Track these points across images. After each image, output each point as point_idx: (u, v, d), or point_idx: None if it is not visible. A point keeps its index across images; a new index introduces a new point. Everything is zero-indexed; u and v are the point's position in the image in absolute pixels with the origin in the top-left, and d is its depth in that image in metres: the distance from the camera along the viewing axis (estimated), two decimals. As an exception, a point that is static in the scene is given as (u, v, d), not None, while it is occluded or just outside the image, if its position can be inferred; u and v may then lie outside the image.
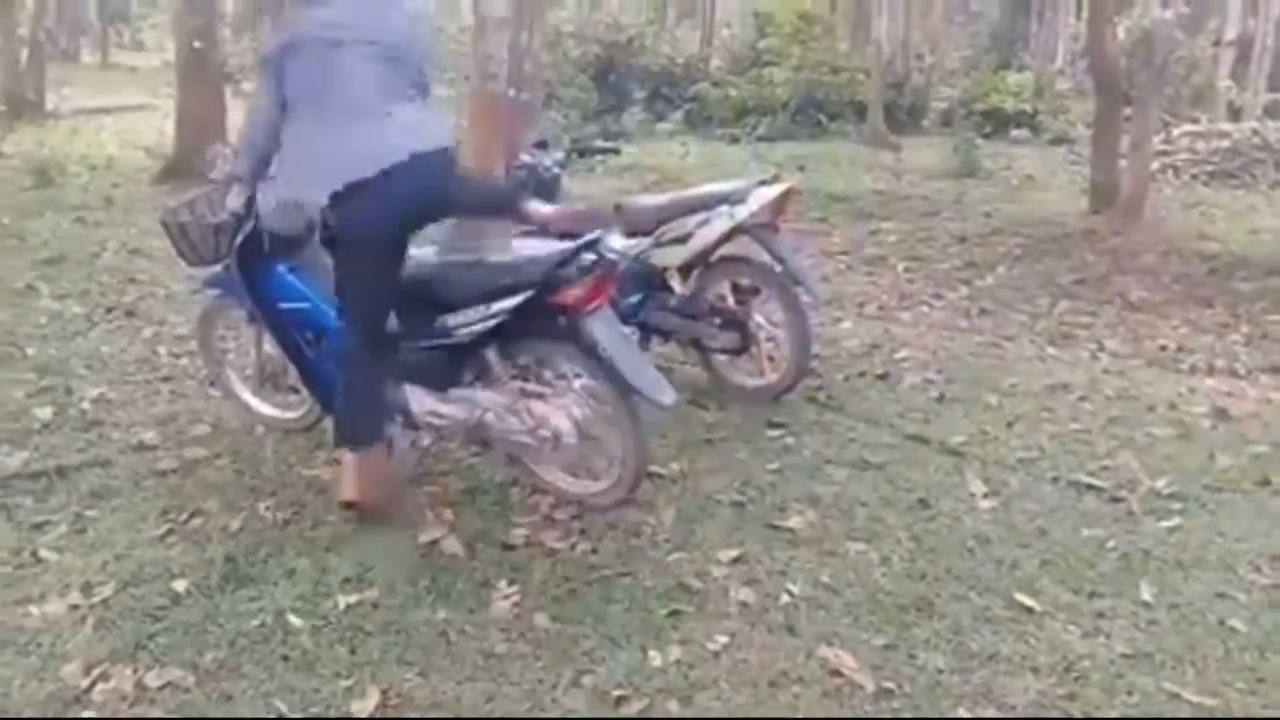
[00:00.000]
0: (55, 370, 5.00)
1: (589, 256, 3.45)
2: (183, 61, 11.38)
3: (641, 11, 26.05)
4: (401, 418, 3.80)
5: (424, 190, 3.42)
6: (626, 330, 3.74)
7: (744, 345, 4.83)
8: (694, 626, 2.98)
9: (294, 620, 2.95)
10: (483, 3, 8.44)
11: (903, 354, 5.70)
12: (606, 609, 3.06)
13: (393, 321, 3.63)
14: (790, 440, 4.37)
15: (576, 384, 3.59)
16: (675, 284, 4.91)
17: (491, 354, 3.56)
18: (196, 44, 11.03)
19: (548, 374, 3.66)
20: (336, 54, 3.35)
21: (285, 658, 2.80)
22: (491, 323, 3.43)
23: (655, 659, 2.81)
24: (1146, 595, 3.21)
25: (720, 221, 4.72)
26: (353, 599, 3.06)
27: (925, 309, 7.01)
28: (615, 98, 17.95)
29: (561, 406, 3.53)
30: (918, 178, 12.33)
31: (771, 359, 4.92)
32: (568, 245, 3.46)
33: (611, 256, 3.65)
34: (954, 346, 5.94)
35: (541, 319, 3.48)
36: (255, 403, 4.36)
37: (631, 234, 4.97)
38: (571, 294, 3.40)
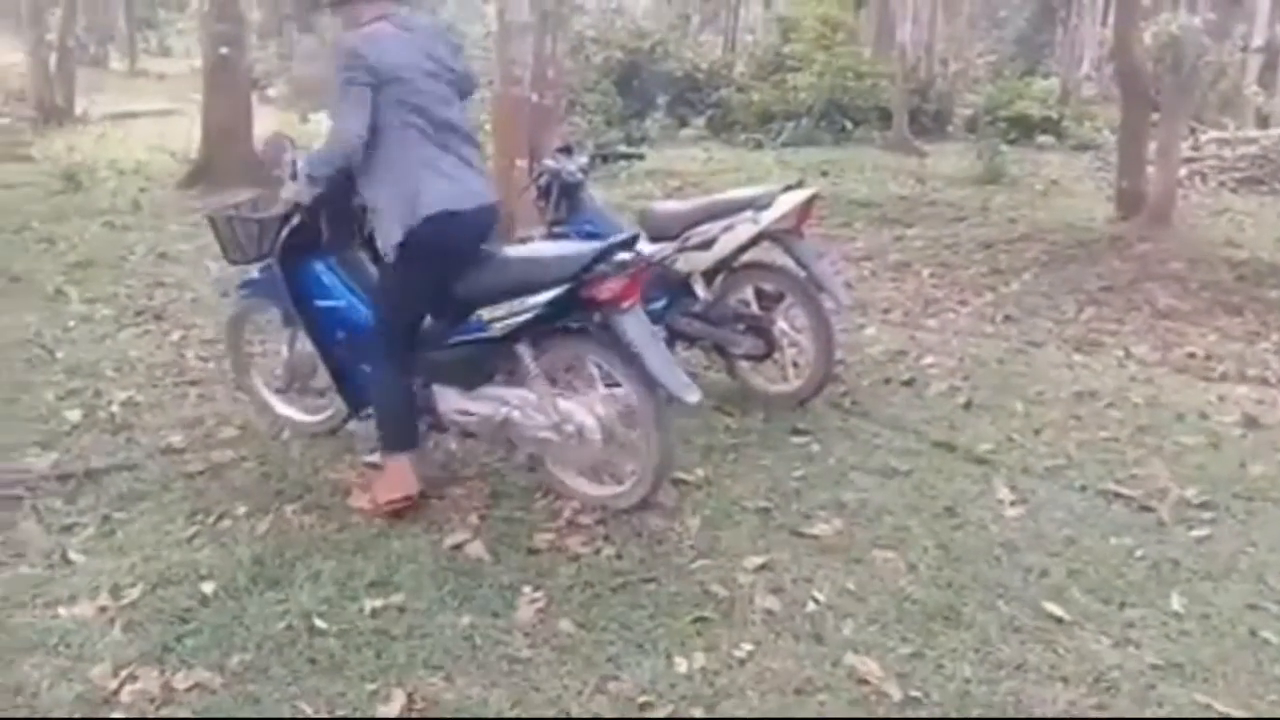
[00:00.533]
0: (84, 373, 5.05)
1: (624, 255, 3.50)
2: (209, 67, 11.49)
3: (664, 17, 26.04)
4: (429, 418, 3.84)
5: (485, 232, 3.63)
6: (655, 330, 3.75)
7: (768, 351, 4.82)
8: (719, 634, 2.97)
9: (320, 623, 2.96)
10: (507, 8, 8.47)
11: (928, 360, 5.67)
12: (631, 615, 3.05)
13: (426, 319, 3.71)
14: (815, 447, 4.36)
15: (601, 385, 3.64)
16: (699, 289, 4.91)
17: (523, 349, 3.59)
18: (223, 50, 11.13)
19: (575, 373, 3.71)
20: (430, 85, 3.51)
21: (312, 660, 2.81)
22: (527, 316, 3.48)
23: (680, 666, 2.81)
24: (1177, 605, 3.18)
25: (744, 227, 4.72)
26: (378, 603, 3.07)
27: (951, 315, 6.97)
28: (638, 103, 17.97)
29: (587, 404, 3.59)
30: (942, 184, 12.27)
31: (796, 365, 4.91)
32: (602, 243, 3.53)
33: (646, 256, 3.68)
34: (980, 353, 5.90)
35: (575, 313, 3.55)
36: (280, 407, 4.40)
37: (656, 239, 4.97)
38: (607, 288, 3.45)
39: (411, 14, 3.65)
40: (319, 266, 3.97)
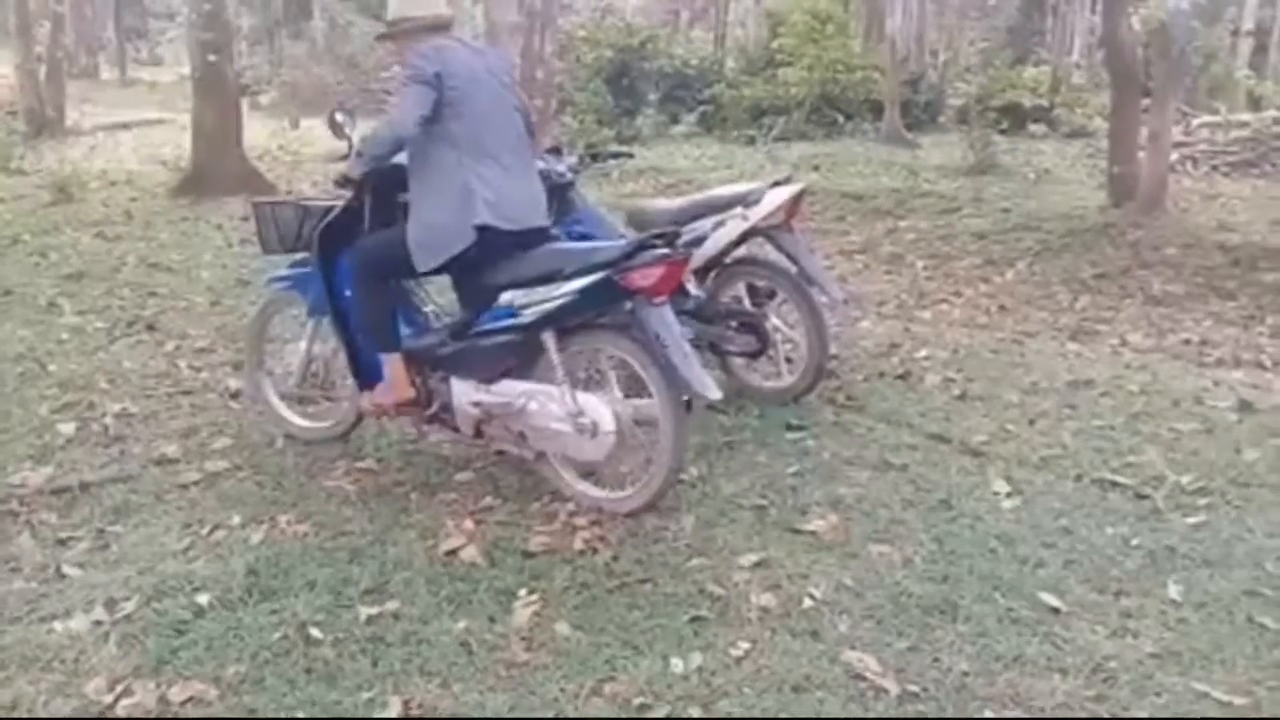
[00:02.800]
0: (78, 386, 5.03)
1: (663, 249, 3.54)
2: (198, 76, 11.45)
3: (654, 14, 26.03)
4: (442, 411, 3.90)
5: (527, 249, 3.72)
6: (683, 330, 3.76)
7: (761, 347, 4.81)
8: (716, 632, 2.97)
9: (316, 632, 2.94)
10: (495, 9, 8.46)
11: (922, 353, 5.67)
12: (628, 616, 3.04)
13: (434, 309, 4.02)
14: (810, 442, 4.35)
15: (619, 393, 3.66)
16: (691, 287, 4.89)
17: (549, 338, 3.63)
18: (211, 58, 11.09)
19: (594, 384, 3.73)
20: (489, 101, 3.72)
21: (308, 670, 2.80)
22: (561, 302, 3.53)
23: (677, 666, 2.80)
24: (1174, 593, 3.18)
25: (734, 224, 4.72)
26: (374, 610, 3.06)
27: (945, 307, 6.97)
28: (629, 101, 17.95)
29: (606, 399, 3.61)
30: (935, 175, 12.26)
31: (789, 360, 4.91)
32: (642, 235, 3.65)
33: (684, 252, 3.72)
34: (974, 344, 5.90)
35: (608, 301, 3.57)
36: (286, 413, 4.42)
37: (647, 238, 4.97)
38: (644, 275, 3.48)
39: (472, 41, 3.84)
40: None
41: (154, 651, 2.87)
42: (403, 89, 3.64)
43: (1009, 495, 3.86)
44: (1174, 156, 11.51)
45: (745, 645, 2.89)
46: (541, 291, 3.55)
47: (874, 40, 19.46)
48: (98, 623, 3.01)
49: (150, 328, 6.13)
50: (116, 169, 12.94)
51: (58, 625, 3.00)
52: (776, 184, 4.83)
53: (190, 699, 2.68)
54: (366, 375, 4.02)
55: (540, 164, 5.17)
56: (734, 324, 4.85)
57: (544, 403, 3.63)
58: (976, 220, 9.70)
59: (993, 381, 5.18)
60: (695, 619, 3.03)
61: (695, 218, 4.80)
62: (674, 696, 2.69)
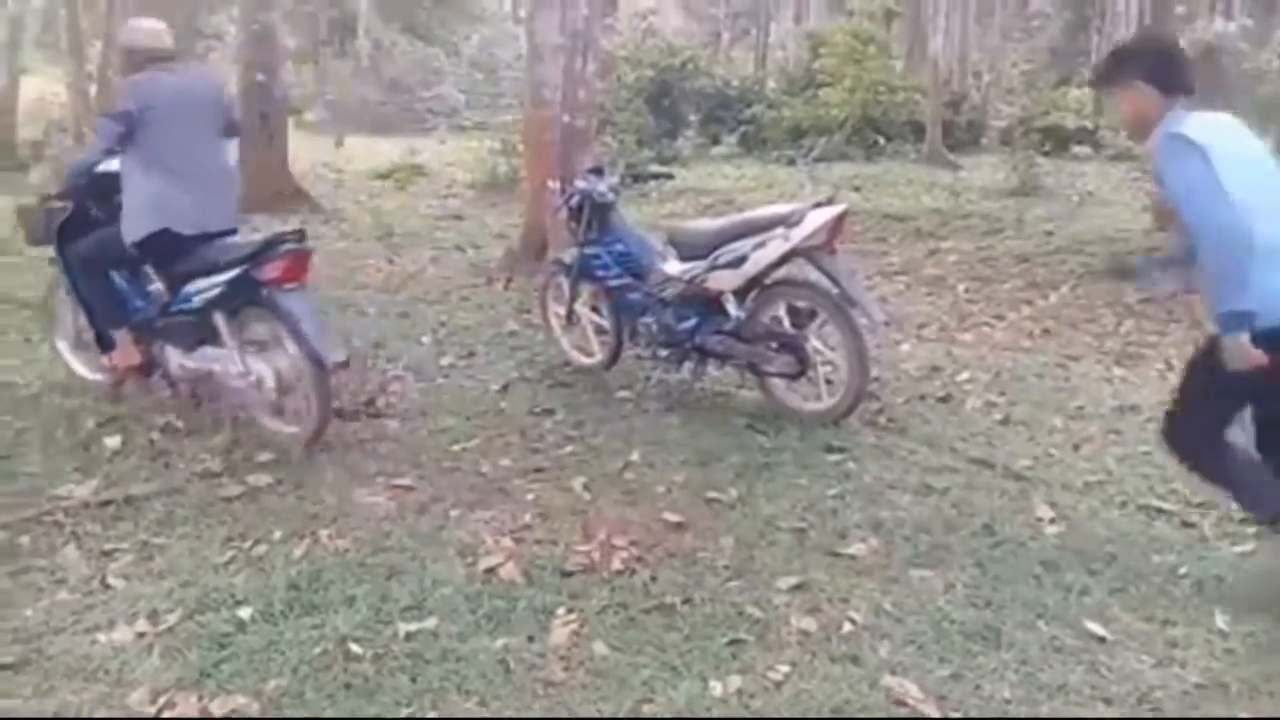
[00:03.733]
0: (122, 399, 5.09)
1: (290, 245, 4.33)
2: (244, 93, 11.63)
3: (695, 35, 26.11)
4: (162, 372, 4.82)
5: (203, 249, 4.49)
6: (315, 307, 4.48)
7: (801, 369, 4.79)
8: (755, 656, 2.95)
9: (355, 648, 2.95)
10: (537, 30, 8.52)
11: (964, 376, 5.62)
12: (666, 637, 3.03)
13: (159, 287, 4.71)
14: (850, 465, 4.32)
15: (291, 349, 4.37)
16: (731, 307, 4.90)
17: (219, 317, 4.47)
18: (259, 77, 11.26)
19: (265, 337, 4.51)
20: (179, 121, 4.41)
21: (347, 685, 2.81)
22: (215, 292, 4.38)
23: (716, 689, 2.78)
24: (1221, 623, 3.12)
25: (775, 244, 4.70)
26: (413, 626, 3.07)
27: (987, 330, 6.92)
28: (670, 122, 18.02)
29: (270, 360, 4.43)
30: (977, 196, 12.19)
31: (829, 382, 4.88)
32: (270, 234, 4.43)
33: (307, 245, 4.43)
34: (1017, 368, 5.85)
35: (249, 289, 4.37)
36: (74, 361, 5.24)
37: (687, 258, 4.98)
38: (275, 267, 4.29)
39: (189, 67, 4.68)
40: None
41: (196, 664, 2.89)
42: (99, 122, 4.47)
43: (1053, 521, 3.82)
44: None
45: (785, 669, 2.87)
46: (206, 282, 4.39)
47: (916, 61, 19.44)
48: (141, 634, 3.04)
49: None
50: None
51: (102, 636, 3.04)
52: (818, 205, 4.80)
53: (232, 712, 2.69)
54: (106, 344, 4.85)
55: (582, 184, 5.23)
56: (774, 345, 4.83)
57: (225, 365, 4.50)
58: (1019, 242, 9.63)
59: (1036, 405, 5.13)
60: (734, 641, 3.01)
61: (736, 238, 4.80)
62: (713, 719, 2.67)
